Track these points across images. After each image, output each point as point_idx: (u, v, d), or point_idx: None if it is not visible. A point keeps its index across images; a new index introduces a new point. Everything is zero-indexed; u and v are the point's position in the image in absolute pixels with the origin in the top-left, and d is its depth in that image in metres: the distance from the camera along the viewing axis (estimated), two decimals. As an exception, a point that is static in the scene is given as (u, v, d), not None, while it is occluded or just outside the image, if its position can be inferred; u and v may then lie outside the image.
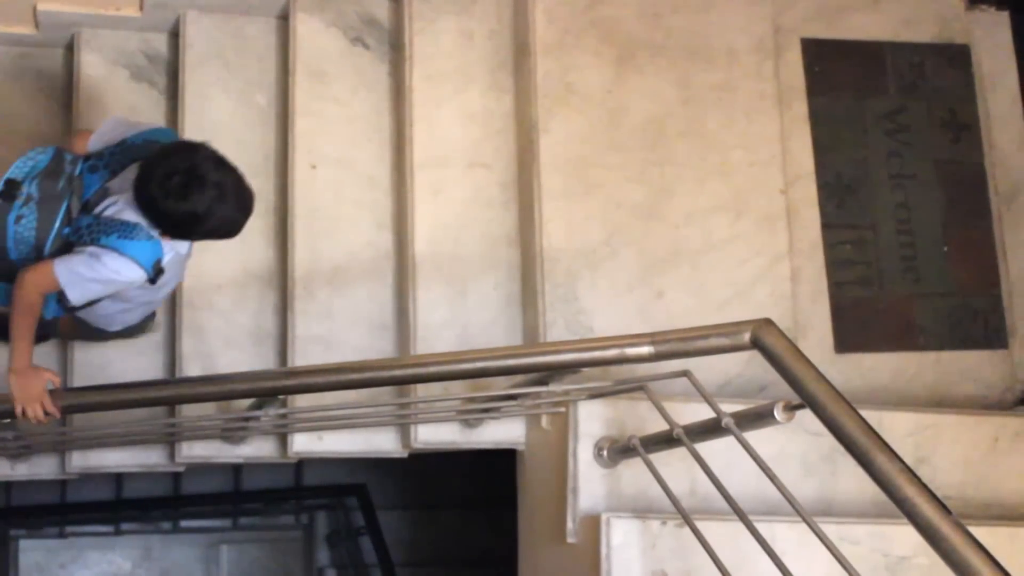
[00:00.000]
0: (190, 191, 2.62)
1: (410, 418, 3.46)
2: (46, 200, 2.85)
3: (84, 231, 2.83)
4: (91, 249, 2.77)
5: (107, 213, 2.83)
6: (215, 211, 2.67)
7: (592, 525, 2.90)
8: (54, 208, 2.85)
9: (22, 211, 2.84)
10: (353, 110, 3.80)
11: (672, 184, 3.63)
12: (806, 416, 2.28)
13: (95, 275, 2.78)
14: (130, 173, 2.81)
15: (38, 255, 2.85)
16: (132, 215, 2.78)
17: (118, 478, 6.64)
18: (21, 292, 2.79)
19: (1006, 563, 1.86)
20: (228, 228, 2.79)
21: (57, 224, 2.85)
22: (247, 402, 3.00)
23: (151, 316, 3.48)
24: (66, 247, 2.86)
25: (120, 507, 6.83)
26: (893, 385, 3.74)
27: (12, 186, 2.85)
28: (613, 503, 3.05)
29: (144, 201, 2.69)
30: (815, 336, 3.71)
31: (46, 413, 2.73)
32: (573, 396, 3.04)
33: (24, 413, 2.71)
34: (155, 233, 2.78)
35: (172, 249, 2.86)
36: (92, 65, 3.91)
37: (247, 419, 3.15)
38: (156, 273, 2.85)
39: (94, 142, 3.00)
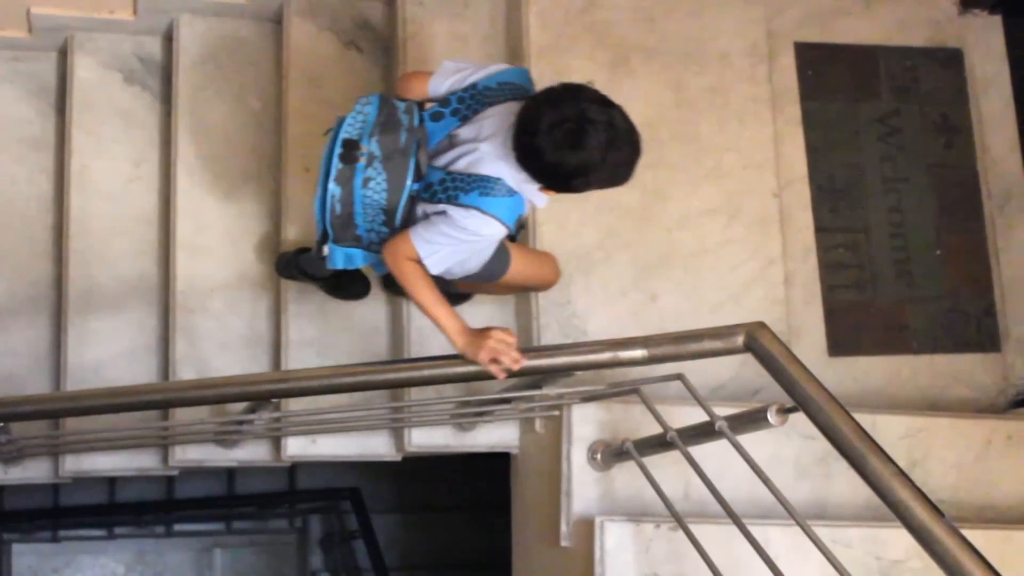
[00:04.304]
0: (583, 139, 2.37)
1: (404, 421, 3.46)
2: (391, 157, 2.61)
3: (437, 187, 2.61)
4: (448, 210, 2.57)
5: (457, 166, 2.60)
6: (608, 158, 2.42)
7: (586, 528, 2.90)
8: (402, 165, 2.61)
9: (368, 172, 2.61)
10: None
11: (665, 187, 3.63)
12: (799, 419, 2.29)
13: (455, 241, 2.59)
14: (486, 120, 2.60)
15: (388, 217, 2.65)
16: (490, 167, 2.56)
17: (111, 482, 6.63)
18: (394, 268, 2.64)
19: (1000, 566, 1.87)
20: (621, 174, 2.51)
21: (408, 182, 2.62)
22: (241, 406, 2.99)
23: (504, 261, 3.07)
24: (413, 204, 2.66)
25: (113, 511, 6.81)
26: (886, 388, 3.75)
27: (351, 147, 2.61)
28: (607, 506, 3.06)
29: (529, 155, 2.45)
30: (808, 339, 3.72)
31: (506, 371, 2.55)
32: (567, 399, 3.04)
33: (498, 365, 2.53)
34: (518, 182, 2.55)
35: (529, 201, 2.67)
36: (85, 68, 3.91)
37: (240, 423, 3.15)
38: (518, 229, 2.67)
39: (435, 86, 2.73)
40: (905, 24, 4.06)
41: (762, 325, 2.44)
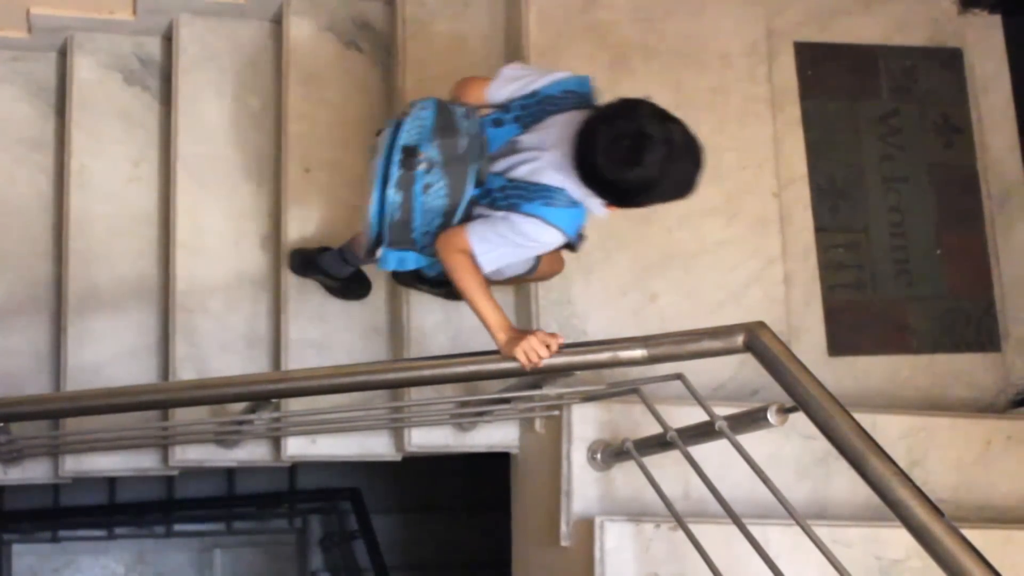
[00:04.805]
0: (640, 155, 2.36)
1: (403, 421, 3.46)
2: (451, 162, 2.59)
3: (497, 194, 2.60)
4: (509, 216, 2.56)
5: (518, 173, 2.59)
6: (668, 172, 2.40)
7: (586, 528, 2.90)
8: (463, 170, 2.59)
9: (428, 178, 2.58)
10: (347, 113, 3.80)
11: (665, 187, 3.62)
12: (799, 419, 2.29)
13: (511, 244, 2.59)
14: (550, 129, 2.59)
15: (446, 220, 2.63)
16: (552, 177, 2.55)
17: (111, 482, 6.63)
18: (445, 258, 2.62)
19: (999, 566, 1.87)
20: (682, 188, 2.48)
21: (469, 187, 2.60)
22: (241, 406, 2.99)
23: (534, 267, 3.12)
24: (470, 207, 2.64)
25: (113, 511, 6.81)
26: (886, 388, 3.75)
27: (410, 153, 2.58)
28: (607, 506, 3.06)
29: (589, 173, 2.45)
30: (808, 339, 3.71)
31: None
32: (567, 399, 3.04)
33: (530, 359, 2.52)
34: (581, 194, 2.54)
35: (590, 211, 2.64)
36: (85, 69, 3.91)
37: (240, 423, 3.15)
38: (579, 239, 2.67)
39: (493, 92, 2.73)
40: (905, 24, 4.06)
41: (762, 325, 2.44)
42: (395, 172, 2.60)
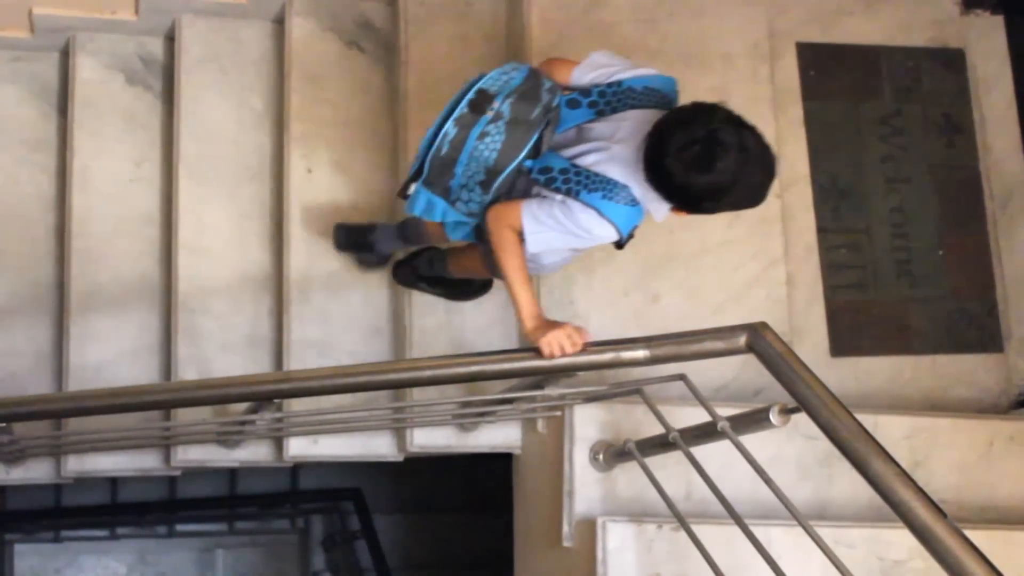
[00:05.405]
0: (712, 161, 2.34)
1: (406, 422, 3.46)
2: (517, 123, 2.57)
3: (557, 175, 2.59)
4: (567, 201, 2.55)
5: (584, 161, 2.58)
6: (740, 179, 2.38)
7: (588, 529, 2.90)
8: (524, 136, 2.58)
9: (488, 128, 2.56)
10: (349, 114, 3.81)
11: (667, 188, 3.62)
12: (802, 420, 2.29)
13: (563, 230, 2.57)
14: (623, 123, 2.59)
15: (488, 179, 2.61)
16: (617, 172, 2.53)
17: (113, 482, 6.63)
18: (494, 231, 2.62)
19: (1002, 566, 1.87)
20: (753, 197, 2.47)
21: (523, 154, 2.59)
22: (242, 406, 2.99)
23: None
24: (517, 180, 2.64)
25: (115, 511, 6.82)
26: (888, 388, 3.74)
27: (483, 98, 2.57)
28: (609, 507, 3.06)
29: (658, 175, 2.43)
30: (810, 340, 3.71)
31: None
32: (569, 400, 3.04)
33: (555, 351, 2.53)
34: (644, 194, 2.53)
35: (648, 211, 2.62)
36: (87, 69, 3.91)
37: (242, 423, 3.15)
38: (628, 238, 2.66)
39: (579, 75, 2.71)
40: (907, 24, 4.06)
41: (764, 325, 2.44)
42: (461, 110, 2.59)
